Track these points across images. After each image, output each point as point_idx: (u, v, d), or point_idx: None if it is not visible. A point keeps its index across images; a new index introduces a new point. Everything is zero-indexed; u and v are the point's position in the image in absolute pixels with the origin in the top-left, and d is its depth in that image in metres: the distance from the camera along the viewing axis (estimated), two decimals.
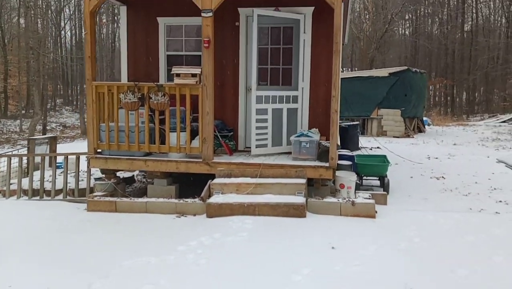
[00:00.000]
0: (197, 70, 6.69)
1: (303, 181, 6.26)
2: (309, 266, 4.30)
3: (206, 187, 6.42)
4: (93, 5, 6.78)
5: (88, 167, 7.04)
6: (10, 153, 7.66)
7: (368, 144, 13.89)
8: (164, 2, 7.87)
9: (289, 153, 7.35)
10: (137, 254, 4.65)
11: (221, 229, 5.43)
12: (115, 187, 6.97)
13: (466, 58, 37.37)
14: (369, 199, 6.14)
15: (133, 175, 8.78)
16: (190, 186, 7.77)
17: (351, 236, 5.20)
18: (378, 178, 7.75)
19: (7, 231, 5.58)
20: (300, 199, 5.95)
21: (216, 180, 6.46)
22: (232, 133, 7.77)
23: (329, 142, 6.67)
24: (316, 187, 6.69)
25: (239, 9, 7.71)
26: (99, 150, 7.08)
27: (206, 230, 5.46)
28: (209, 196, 6.34)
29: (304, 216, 5.82)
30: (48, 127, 29.17)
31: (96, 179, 7.28)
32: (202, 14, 6.46)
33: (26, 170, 7.76)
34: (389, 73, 18.21)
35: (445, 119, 28.22)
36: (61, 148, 17.12)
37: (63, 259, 4.58)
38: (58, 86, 41.46)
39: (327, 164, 6.49)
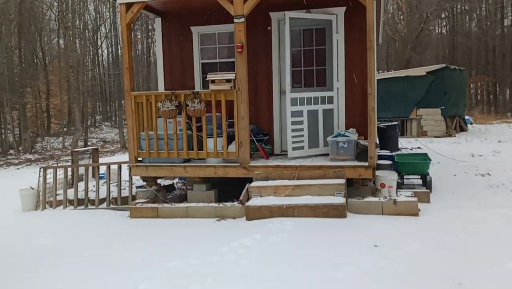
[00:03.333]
0: (231, 76, 6.77)
1: (342, 181, 6.19)
2: (352, 263, 4.25)
3: (245, 190, 6.46)
4: (129, 18, 7.00)
5: (129, 175, 7.22)
6: (55, 165, 7.96)
7: (408, 145, 13.58)
8: (197, 11, 8.03)
9: (326, 154, 7.31)
10: (181, 256, 4.73)
11: (261, 231, 5.44)
12: (156, 193, 7.12)
13: (508, 54, 36.00)
14: (412, 197, 6.01)
15: (173, 183, 8.94)
16: (228, 190, 7.85)
17: (394, 234, 5.10)
18: (419, 176, 7.58)
19: (58, 238, 5.79)
20: (339, 199, 5.89)
21: (254, 183, 6.48)
22: (267, 137, 7.79)
23: (367, 142, 6.58)
24: (355, 187, 6.60)
25: (270, 13, 7.78)
26: (139, 158, 7.26)
27: (247, 231, 5.48)
28: (248, 199, 6.37)
29: (345, 216, 5.76)
30: (89, 143, 30.15)
31: (138, 187, 7.46)
32: (235, 20, 6.56)
33: (71, 180, 8.03)
34: (427, 72, 17.81)
35: (488, 118, 27.25)
36: (103, 160, 17.67)
37: (111, 261, 4.71)
38: (97, 103, 42.83)
39: (366, 163, 6.40)
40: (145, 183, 7.25)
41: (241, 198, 6.30)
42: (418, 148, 12.78)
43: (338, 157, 6.75)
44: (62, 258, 4.96)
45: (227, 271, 4.26)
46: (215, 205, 6.40)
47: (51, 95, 34.83)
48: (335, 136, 6.82)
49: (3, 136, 29.93)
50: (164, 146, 7.02)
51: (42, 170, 7.66)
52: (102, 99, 43.61)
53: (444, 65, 18.84)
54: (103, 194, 7.52)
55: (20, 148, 28.35)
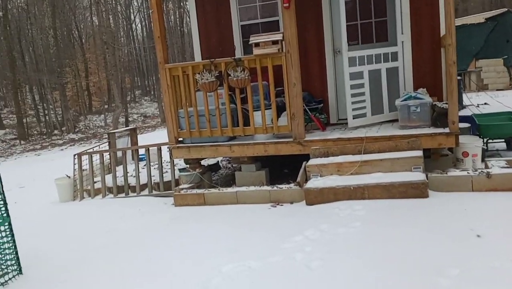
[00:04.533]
0: (278, 36, 5.78)
1: (419, 153, 5.19)
2: (455, 263, 3.31)
3: (302, 169, 5.57)
4: None
5: (170, 158, 6.49)
6: (91, 150, 7.35)
7: (471, 101, 12.20)
8: None
9: (393, 121, 6.29)
10: (237, 256, 3.94)
11: (327, 219, 4.58)
12: (201, 177, 6.37)
13: None
14: (508, 168, 4.94)
15: (218, 161, 8.18)
16: (280, 170, 7.00)
17: (496, 217, 4.10)
18: (504, 140, 6.43)
19: (100, 233, 5.16)
20: (419, 176, 4.91)
21: (312, 161, 5.59)
22: (321, 105, 6.81)
23: (445, 103, 5.50)
24: (433, 158, 5.58)
25: None
26: (180, 139, 6.49)
27: (310, 221, 4.64)
28: (306, 180, 5.50)
29: (426, 196, 4.79)
30: (130, 119, 30.07)
31: (180, 170, 6.73)
32: None
33: (109, 165, 7.42)
34: (486, 19, 16.01)
35: None
36: (144, 138, 17.22)
37: (145, 261, 4.00)
38: (135, 78, 42.68)
39: (446, 130, 5.35)
40: (187, 166, 6.49)
41: (298, 179, 5.43)
42: (485, 103, 11.42)
43: (410, 124, 5.71)
44: (117, 253, 4.31)
45: (294, 279, 3.43)
46: (269, 188, 5.57)
47: (90, 73, 34.85)
48: (406, 99, 5.76)
49: (47, 118, 30.28)
50: (206, 123, 6.20)
51: (76, 156, 7.06)
52: (139, 74, 43.45)
53: (506, 9, 16.91)
54: (144, 179, 6.85)
55: (63, 128, 28.57)
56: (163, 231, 4.97)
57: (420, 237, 3.86)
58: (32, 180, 9.48)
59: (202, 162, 7.05)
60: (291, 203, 5.39)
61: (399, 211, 4.54)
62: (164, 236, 4.80)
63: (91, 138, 25.11)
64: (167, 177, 6.78)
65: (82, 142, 23.62)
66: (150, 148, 6.80)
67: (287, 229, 4.52)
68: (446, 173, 5.07)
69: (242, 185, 6.22)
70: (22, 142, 27.13)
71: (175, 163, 6.88)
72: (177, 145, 6.41)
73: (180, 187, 6.15)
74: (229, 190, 5.77)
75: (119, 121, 27.11)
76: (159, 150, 6.64)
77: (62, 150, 21.17)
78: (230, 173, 7.67)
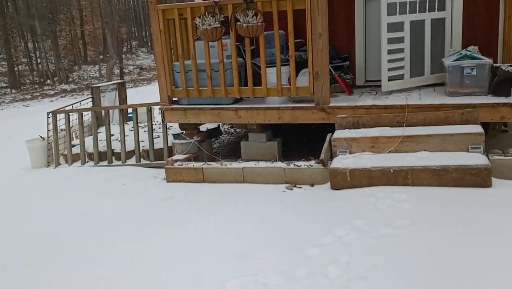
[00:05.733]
0: None
1: (478, 128, 4.07)
2: None
3: (326, 144, 4.47)
4: None
5: (163, 122, 5.35)
6: (70, 107, 6.20)
7: None
8: None
9: (434, 85, 5.14)
10: (247, 266, 2.91)
11: (362, 213, 3.52)
12: (199, 146, 5.27)
13: None
14: None
15: (218, 125, 7.04)
16: (295, 141, 5.90)
17: None
18: None
19: (69, 218, 4.11)
20: (480, 158, 3.82)
21: (338, 133, 4.47)
22: (347, 63, 5.61)
23: (511, 66, 4.33)
24: (492, 135, 4.48)
25: None
26: (174, 98, 5.34)
27: (339, 213, 3.59)
28: (331, 156, 4.40)
29: (490, 185, 3.72)
30: (125, 70, 28.63)
31: (174, 136, 5.63)
32: None
33: (92, 126, 6.27)
34: None
35: None
36: (138, 92, 16.00)
37: (118, 269, 2.96)
38: (132, 28, 40.71)
39: (510, 100, 4.21)
40: (183, 132, 5.37)
41: (322, 155, 4.32)
42: None
43: (462, 90, 4.56)
44: (86, 251, 3.27)
45: None
46: (284, 166, 4.48)
47: (85, 22, 33.06)
48: (458, 59, 4.58)
49: (39, 66, 28.79)
50: (207, 80, 5.03)
51: (51, 115, 5.91)
52: (136, 25, 41.46)
53: None
54: (130, 144, 5.73)
55: (56, 79, 27.18)
56: (149, 220, 3.92)
57: (498, 245, 2.81)
58: (7, 137, 8.39)
59: (201, 127, 5.93)
60: (312, 185, 4.32)
61: (458, 205, 3.47)
62: (150, 227, 3.74)
63: (84, 89, 23.79)
64: (159, 143, 5.67)
65: (74, 93, 22.36)
66: (138, 109, 5.65)
67: (310, 223, 3.48)
68: (509, 153, 3.98)
69: (249, 158, 5.15)
70: (13, 91, 25.83)
71: (168, 126, 5.75)
72: (171, 106, 5.27)
73: (174, 158, 5.06)
74: (234, 165, 4.67)
75: (113, 73, 25.68)
76: (149, 111, 5.50)
77: (52, 101, 19.93)
78: (234, 140, 6.56)
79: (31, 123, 9.81)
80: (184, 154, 5.16)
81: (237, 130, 7.06)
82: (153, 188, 4.72)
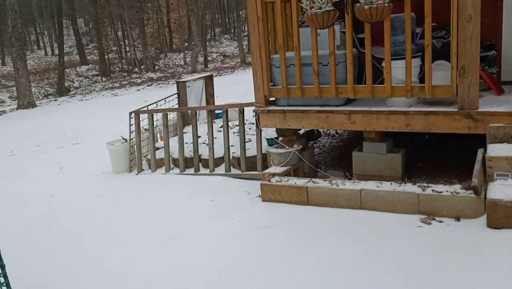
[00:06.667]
0: None
1: None
2: None
3: (478, 163, 3.33)
4: None
5: (257, 126, 4.49)
6: (154, 105, 5.57)
7: None
8: None
9: None
10: None
11: None
12: (300, 157, 4.35)
13: None
14: None
15: None
16: (416, 148, 4.78)
17: None
18: None
19: (151, 248, 3.40)
20: None
21: (495, 150, 3.32)
22: (492, 52, 4.36)
23: None
24: None
25: None
26: (271, 98, 4.46)
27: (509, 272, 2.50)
28: (484, 179, 3.28)
29: None
30: (209, 58, 28.46)
31: (268, 141, 4.76)
32: None
33: (174, 126, 5.60)
34: None
35: None
36: (222, 82, 15.40)
37: None
38: (216, 15, 40.66)
39: None
40: (278, 138, 4.48)
41: (474, 180, 3.20)
42: None
43: None
44: None
45: None
46: (418, 190, 3.41)
47: (171, 10, 33.46)
48: None
49: (128, 55, 29.57)
50: (313, 77, 4.07)
51: (133, 114, 5.31)
52: (220, 11, 41.39)
53: None
54: (219, 150, 4.96)
55: (142, 67, 27.68)
56: (246, 260, 3.07)
57: None
58: (91, 133, 8.09)
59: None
60: (457, 219, 3.23)
61: None
62: (246, 272, 2.90)
63: (169, 78, 23.90)
64: (251, 149, 4.83)
65: (160, 82, 22.47)
66: (229, 110, 4.84)
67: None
68: None
69: (362, 173, 4.14)
70: (104, 79, 26.74)
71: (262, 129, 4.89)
72: (267, 108, 4.39)
73: (270, 171, 4.18)
74: (348, 185, 3.69)
75: (197, 61, 25.57)
76: (242, 112, 4.66)
77: (139, 90, 20.11)
78: (337, 145, 5.57)
79: (115, 115, 9.51)
80: (282, 165, 4.27)
81: (338, 131, 6.05)
82: (247, 209, 3.89)
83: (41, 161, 6.64)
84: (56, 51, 25.68)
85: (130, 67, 28.17)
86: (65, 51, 27.95)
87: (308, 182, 3.87)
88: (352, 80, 3.97)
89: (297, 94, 4.20)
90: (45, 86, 24.70)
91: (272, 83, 4.39)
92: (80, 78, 27.17)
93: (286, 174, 4.18)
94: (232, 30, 38.82)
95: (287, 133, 4.47)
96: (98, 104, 13.99)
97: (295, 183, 3.87)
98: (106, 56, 28.24)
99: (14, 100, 19.20)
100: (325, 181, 3.86)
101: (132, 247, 3.44)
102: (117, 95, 18.55)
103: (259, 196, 4.08)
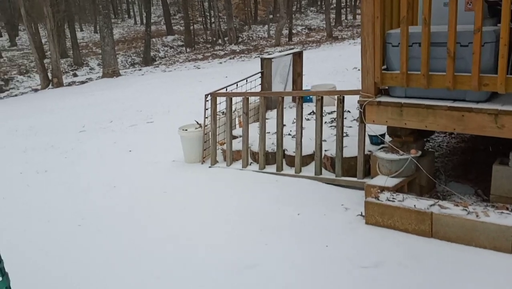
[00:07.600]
0: None
1: None
2: None
3: None
4: None
5: (361, 121, 3.50)
6: (234, 86, 4.74)
7: None
8: None
9: None
10: None
11: None
12: (418, 165, 3.31)
13: None
14: None
15: None
16: None
17: None
18: None
19: (220, 276, 2.63)
20: None
21: None
22: None
23: None
24: None
25: None
26: (384, 87, 3.43)
27: None
28: None
29: None
30: (294, 31, 27.25)
31: (373, 139, 3.75)
32: None
33: (257, 109, 4.75)
34: None
35: None
36: (308, 58, 14.31)
37: None
38: None
39: None
40: (389, 141, 3.45)
41: None
42: None
43: None
44: None
45: None
46: None
47: None
48: None
49: (212, 26, 29.20)
50: (447, 61, 2.98)
51: (210, 97, 4.52)
52: None
53: None
54: (308, 146, 4.04)
55: (226, 39, 27.18)
56: None
57: None
58: (167, 111, 7.50)
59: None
60: None
61: None
62: None
63: (252, 51, 23.16)
64: (348, 147, 3.84)
65: (242, 55, 21.80)
66: (323, 97, 3.86)
67: None
68: None
69: (508, 195, 3.03)
70: (188, 50, 26.65)
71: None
72: (377, 99, 3.37)
73: (378, 183, 3.20)
74: (494, 217, 2.62)
75: (282, 34, 24.50)
76: (341, 102, 3.67)
77: (221, 62, 19.58)
78: (457, 146, 4.40)
79: (193, 92, 8.88)
80: (392, 176, 3.27)
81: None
82: (345, 234, 2.97)
83: (111, 140, 6.15)
84: (145, 21, 25.88)
85: (214, 39, 27.80)
86: (152, 20, 28.20)
87: (433, 205, 2.85)
88: (505, 68, 2.83)
89: (421, 83, 3.14)
90: (132, 55, 25.09)
91: (385, 67, 3.36)
92: (166, 48, 27.31)
93: (399, 189, 3.17)
94: (319, 2, 37.06)
95: (401, 133, 3.43)
96: (179, 77, 13.55)
97: (415, 206, 2.87)
98: (191, 27, 28.07)
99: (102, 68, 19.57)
100: (458, 206, 2.81)
101: (199, 275, 2.68)
102: (199, 68, 18.17)
103: (361, 215, 3.14)
